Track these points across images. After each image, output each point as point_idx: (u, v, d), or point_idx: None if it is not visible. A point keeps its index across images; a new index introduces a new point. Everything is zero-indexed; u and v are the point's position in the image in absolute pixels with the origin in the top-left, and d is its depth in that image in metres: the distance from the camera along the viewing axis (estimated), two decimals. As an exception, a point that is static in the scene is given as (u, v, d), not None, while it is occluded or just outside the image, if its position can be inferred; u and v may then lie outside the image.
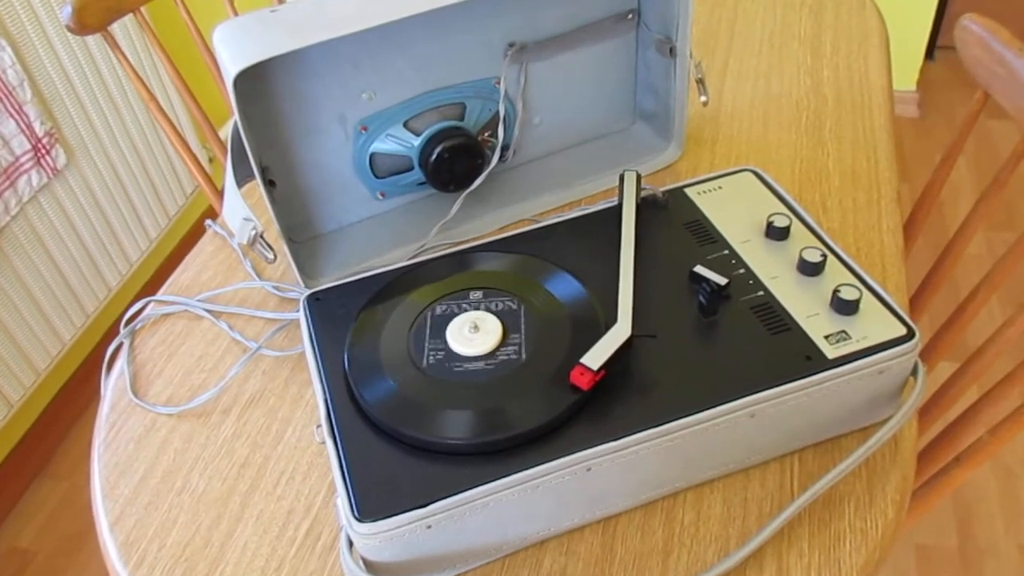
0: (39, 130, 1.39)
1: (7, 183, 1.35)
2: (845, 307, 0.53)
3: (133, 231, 1.69)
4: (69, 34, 1.44)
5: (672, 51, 0.73)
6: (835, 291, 0.53)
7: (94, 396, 1.68)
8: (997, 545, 1.29)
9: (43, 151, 1.41)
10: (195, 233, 1.93)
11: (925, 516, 1.32)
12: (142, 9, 1.04)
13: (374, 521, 0.45)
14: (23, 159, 1.37)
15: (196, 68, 1.93)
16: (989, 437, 0.70)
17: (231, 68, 0.57)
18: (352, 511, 0.46)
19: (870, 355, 0.50)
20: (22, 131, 1.36)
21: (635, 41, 0.77)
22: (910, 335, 0.51)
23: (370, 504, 0.46)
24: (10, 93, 1.33)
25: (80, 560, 1.43)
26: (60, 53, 1.46)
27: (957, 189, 1.92)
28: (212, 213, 1.94)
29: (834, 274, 0.56)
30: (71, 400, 1.62)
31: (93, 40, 1.52)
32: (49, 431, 1.58)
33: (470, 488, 0.46)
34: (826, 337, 0.52)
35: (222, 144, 1.16)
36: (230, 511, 0.56)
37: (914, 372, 0.53)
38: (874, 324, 0.52)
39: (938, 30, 2.30)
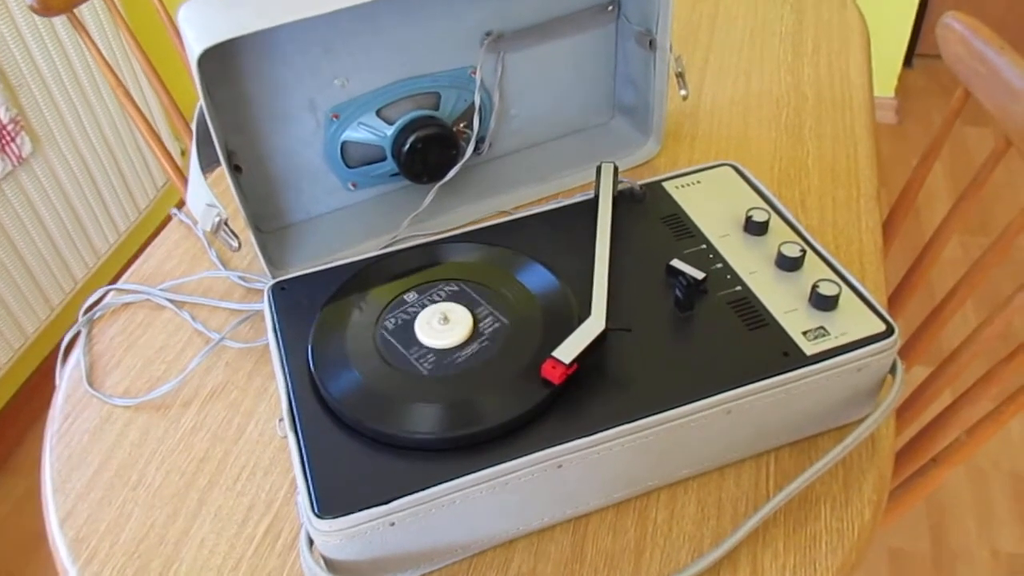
0: (3, 116, 1.36)
1: (-30, 170, 1.31)
2: (824, 303, 0.52)
3: (101, 223, 1.65)
4: (35, 16, 1.40)
5: (652, 44, 0.72)
6: (814, 287, 0.52)
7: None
8: (970, 549, 1.29)
9: (8, 138, 1.37)
10: (165, 226, 1.90)
11: (898, 519, 1.32)
12: (111, -8, 1.02)
13: (335, 518, 0.43)
14: (-13, 146, 1.34)
15: (169, 56, 1.90)
16: (967, 437, 0.69)
17: (195, 47, 0.55)
18: (312, 507, 0.44)
19: (849, 351, 0.49)
20: (-14, 117, 1.33)
21: (615, 33, 0.76)
22: (889, 331, 0.50)
23: (331, 500, 0.44)
24: (-26, 78, 1.30)
25: (40, 558, 1.39)
26: (26, 37, 1.42)
27: (932, 195, 1.93)
28: (183, 206, 1.90)
29: (813, 270, 0.55)
30: (34, 395, 1.58)
31: (61, 24, 1.49)
32: (10, 427, 1.54)
33: (436, 484, 0.44)
34: (804, 333, 0.51)
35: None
36: (187, 507, 0.54)
37: (892, 370, 0.52)
38: (853, 320, 0.51)
39: (917, 37, 2.32)
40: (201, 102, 0.59)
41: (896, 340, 0.50)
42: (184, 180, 1.10)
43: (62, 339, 1.66)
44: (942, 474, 0.71)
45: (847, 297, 0.53)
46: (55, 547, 0.53)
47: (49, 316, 1.55)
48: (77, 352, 0.65)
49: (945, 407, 0.75)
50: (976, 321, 1.64)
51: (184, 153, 1.93)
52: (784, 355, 0.49)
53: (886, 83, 2.13)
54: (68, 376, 0.64)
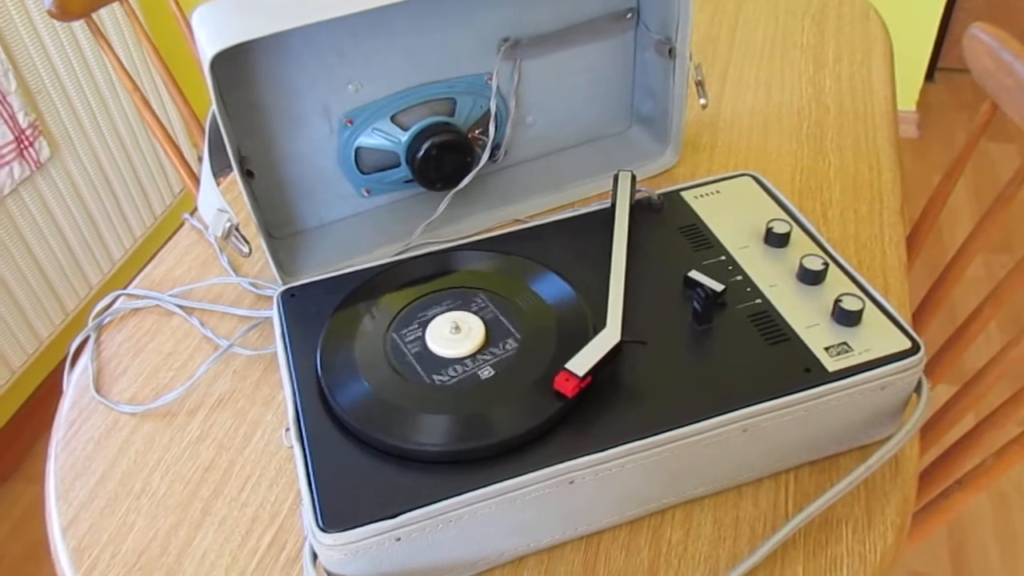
0: (23, 121, 1.36)
1: (-12, 175, 1.32)
2: (847, 318, 0.50)
3: (117, 228, 1.65)
4: (56, 22, 1.41)
5: (671, 52, 0.70)
6: (837, 301, 0.50)
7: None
8: (992, 575, 1.26)
9: (26, 143, 1.38)
10: (182, 233, 1.90)
11: (919, 543, 1.29)
12: (129, -2, 1.02)
13: (339, 532, 0.42)
14: (5, 151, 1.34)
15: (187, 62, 1.90)
16: (994, 460, 0.67)
17: (208, 50, 0.54)
18: (316, 520, 0.43)
19: (873, 369, 0.48)
20: (4, 122, 1.33)
21: (633, 41, 0.75)
22: (915, 349, 0.49)
23: (336, 513, 0.43)
24: (-6, 83, 1.30)
25: (49, 564, 1.38)
26: (47, 42, 1.43)
27: (955, 212, 1.91)
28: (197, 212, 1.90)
29: (836, 284, 0.53)
30: (46, 400, 1.58)
31: (80, 29, 1.49)
32: (22, 432, 1.54)
33: (444, 499, 0.43)
34: (826, 349, 0.49)
35: (208, 140, 1.13)
36: (190, 517, 0.53)
37: (918, 389, 0.51)
38: (877, 337, 0.49)
39: (939, 51, 2.29)
40: (214, 106, 0.58)
41: (922, 358, 0.49)
42: (198, 184, 1.10)
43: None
44: (967, 498, 0.69)
45: (871, 312, 0.51)
46: (57, 556, 0.52)
47: (64, 321, 1.55)
48: (85, 358, 0.64)
49: (970, 429, 0.73)
50: (1000, 342, 1.61)
51: (201, 159, 1.94)
52: (806, 371, 0.48)
53: (908, 97, 2.11)
54: (75, 382, 0.63)
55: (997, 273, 1.75)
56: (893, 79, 0.89)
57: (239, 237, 0.62)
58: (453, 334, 0.50)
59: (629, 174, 0.61)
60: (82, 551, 0.51)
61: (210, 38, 0.55)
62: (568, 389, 0.46)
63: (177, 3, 1.05)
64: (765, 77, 0.89)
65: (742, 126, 0.82)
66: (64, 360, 1.63)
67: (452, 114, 0.70)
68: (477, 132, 0.72)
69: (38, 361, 1.56)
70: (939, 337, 1.62)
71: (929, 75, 2.33)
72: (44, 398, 1.58)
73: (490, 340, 0.51)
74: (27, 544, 1.41)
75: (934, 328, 1.64)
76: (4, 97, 1.32)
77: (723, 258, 0.56)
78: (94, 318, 0.67)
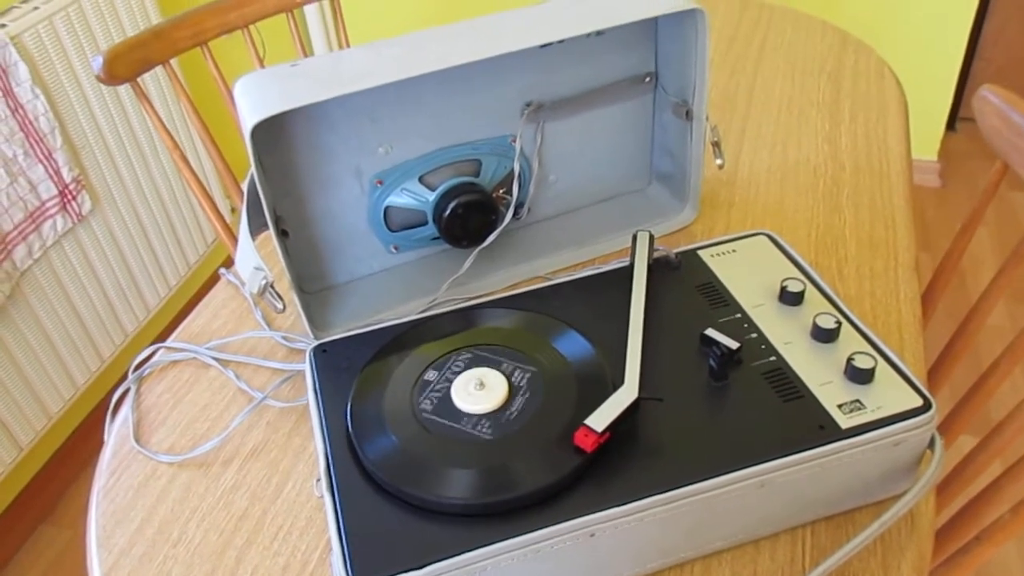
0: (67, 176, 1.42)
1: (32, 227, 1.37)
2: (860, 376, 0.51)
3: (153, 278, 1.70)
4: (101, 85, 1.47)
5: (688, 114, 0.73)
6: (849, 359, 0.52)
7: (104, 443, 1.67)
8: (1023, 630, 1.24)
9: (69, 197, 1.44)
10: (214, 282, 1.95)
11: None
12: (172, 61, 1.07)
13: (368, 582, 0.44)
14: (49, 204, 1.40)
15: (224, 121, 1.97)
16: (1011, 516, 0.67)
17: (249, 119, 0.58)
18: (346, 570, 0.45)
19: (885, 426, 0.49)
20: (50, 176, 1.39)
21: (652, 103, 0.78)
22: (927, 406, 0.50)
23: (365, 563, 0.45)
24: (41, 139, 1.36)
25: (79, 609, 1.40)
26: (92, 102, 1.49)
27: (979, 260, 1.91)
28: (231, 263, 1.95)
29: (849, 341, 0.55)
30: (81, 446, 1.62)
31: (124, 90, 1.56)
32: (57, 477, 1.57)
33: (468, 551, 0.45)
34: (839, 406, 0.50)
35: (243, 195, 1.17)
36: (225, 565, 0.55)
37: (931, 445, 0.52)
38: (890, 394, 0.51)
39: (960, 100, 2.31)
40: (252, 170, 0.62)
41: (933, 415, 0.50)
42: (232, 238, 1.14)
43: (111, 391, 1.71)
44: (986, 553, 0.69)
45: (883, 370, 0.52)
46: (96, 601, 0.54)
47: (100, 367, 1.59)
48: (126, 409, 0.67)
49: (990, 482, 0.74)
50: (1027, 390, 1.60)
51: (234, 211, 1.99)
52: (819, 428, 0.49)
53: (929, 146, 2.13)
54: (116, 432, 0.66)
55: (1022, 323, 1.74)
56: (908, 137, 0.91)
57: (274, 294, 0.65)
58: (477, 390, 0.53)
59: (647, 235, 0.63)
60: (121, 597, 0.53)
61: (252, 107, 0.58)
62: (587, 444, 0.48)
63: (216, 65, 1.10)
64: (782, 135, 0.92)
65: (759, 183, 0.84)
66: (99, 405, 1.67)
67: (477, 174, 0.73)
68: (501, 191, 0.75)
69: (74, 406, 1.60)
70: (963, 384, 1.61)
71: (950, 125, 2.35)
72: (79, 443, 1.62)
73: (512, 396, 0.53)
74: (58, 588, 1.43)
75: (957, 377, 1.63)
76: (51, 153, 1.38)
77: (739, 316, 0.58)
78: (134, 370, 0.70)
